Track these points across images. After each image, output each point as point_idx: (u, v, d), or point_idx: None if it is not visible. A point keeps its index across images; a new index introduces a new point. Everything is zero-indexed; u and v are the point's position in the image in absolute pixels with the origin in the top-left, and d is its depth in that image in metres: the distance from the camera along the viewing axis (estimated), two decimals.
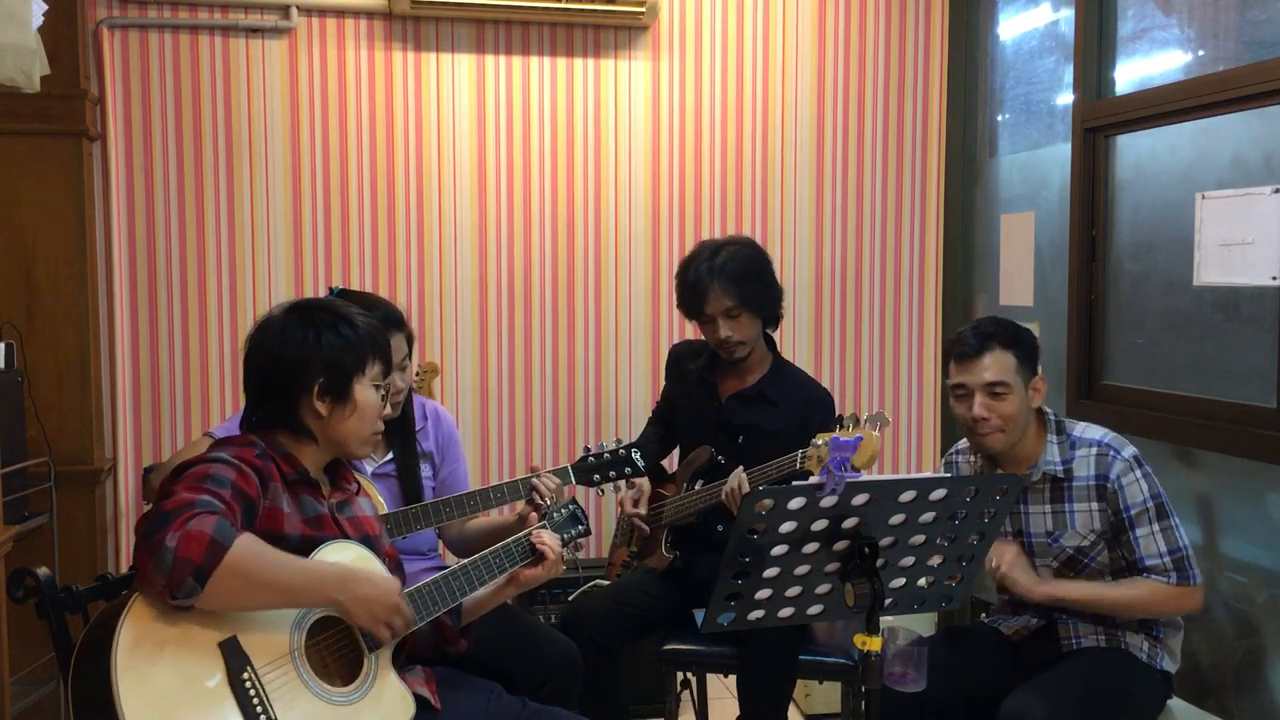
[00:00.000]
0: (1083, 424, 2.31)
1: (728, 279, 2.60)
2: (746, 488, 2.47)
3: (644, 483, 2.80)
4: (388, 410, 1.92)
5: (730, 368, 2.75)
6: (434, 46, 3.55)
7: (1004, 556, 2.20)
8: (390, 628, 1.73)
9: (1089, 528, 2.23)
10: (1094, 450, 2.24)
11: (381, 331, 1.90)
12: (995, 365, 2.22)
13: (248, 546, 1.56)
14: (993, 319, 2.33)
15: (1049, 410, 2.32)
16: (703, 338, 2.80)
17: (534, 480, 2.41)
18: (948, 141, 3.87)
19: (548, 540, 2.01)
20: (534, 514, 2.18)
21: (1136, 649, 2.23)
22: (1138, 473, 2.20)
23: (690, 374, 2.82)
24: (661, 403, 3.02)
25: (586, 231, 3.68)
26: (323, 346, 1.78)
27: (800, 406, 2.67)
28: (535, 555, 2.01)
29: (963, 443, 2.48)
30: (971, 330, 2.29)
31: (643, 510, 2.76)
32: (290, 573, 1.63)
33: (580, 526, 2.17)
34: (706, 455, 2.68)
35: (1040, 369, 2.31)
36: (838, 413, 2.70)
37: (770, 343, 2.78)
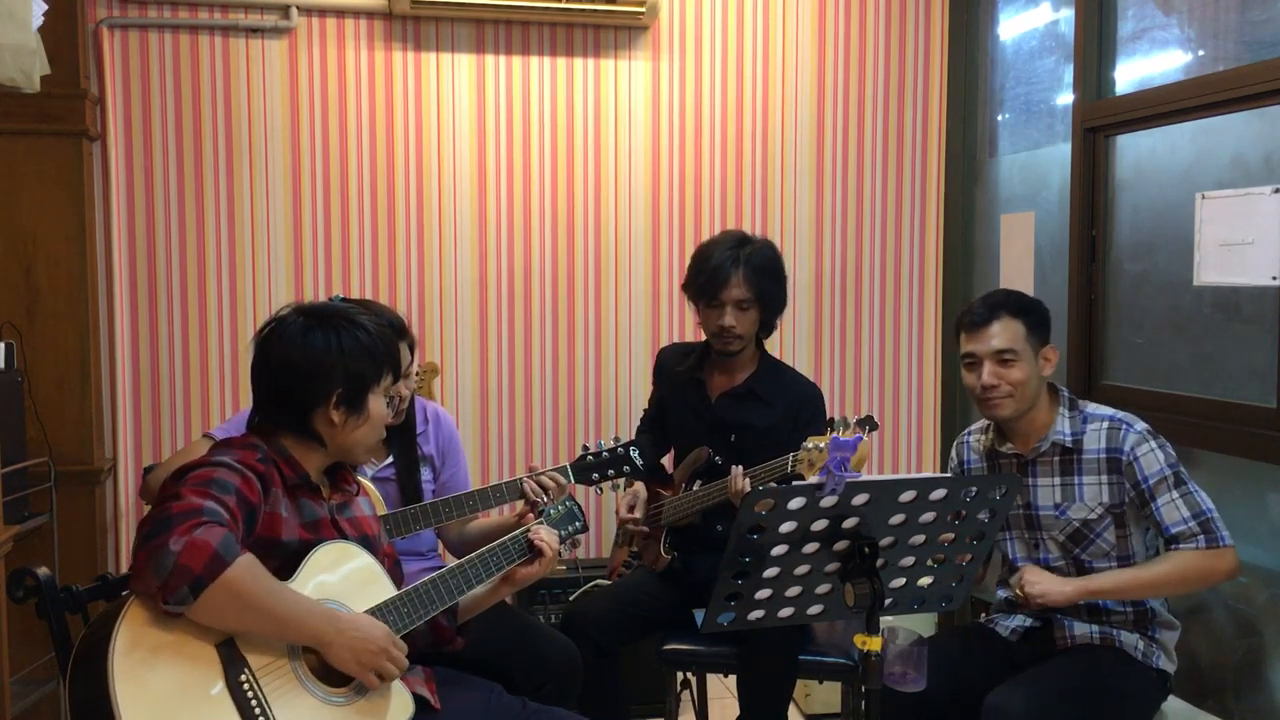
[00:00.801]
0: (1093, 404, 2.32)
1: (752, 270, 2.63)
2: (748, 486, 2.47)
3: (639, 488, 2.80)
4: (390, 417, 1.92)
5: (719, 367, 2.76)
6: (434, 46, 3.55)
7: (1030, 580, 2.18)
8: (379, 674, 1.69)
9: (1097, 500, 2.23)
10: (1105, 424, 2.25)
11: (394, 340, 1.91)
12: (1003, 333, 2.24)
13: (247, 567, 1.55)
14: (1003, 290, 2.37)
15: (1063, 388, 2.33)
16: (688, 339, 2.81)
17: (530, 480, 2.41)
18: (948, 141, 3.87)
19: (544, 537, 2.01)
20: (532, 512, 2.18)
21: (1131, 647, 2.23)
22: (1153, 443, 2.20)
23: (680, 375, 2.82)
24: (650, 408, 3.02)
25: (586, 231, 3.68)
26: (345, 354, 1.77)
27: (791, 403, 2.69)
28: (532, 552, 2.01)
29: (975, 424, 2.49)
30: (980, 300, 2.32)
31: (638, 515, 2.76)
32: (283, 605, 1.61)
33: (577, 523, 2.17)
34: (705, 455, 2.68)
35: (1050, 339, 2.31)
36: (829, 413, 2.70)
37: (757, 341, 2.79)
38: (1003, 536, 2.37)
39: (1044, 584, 2.18)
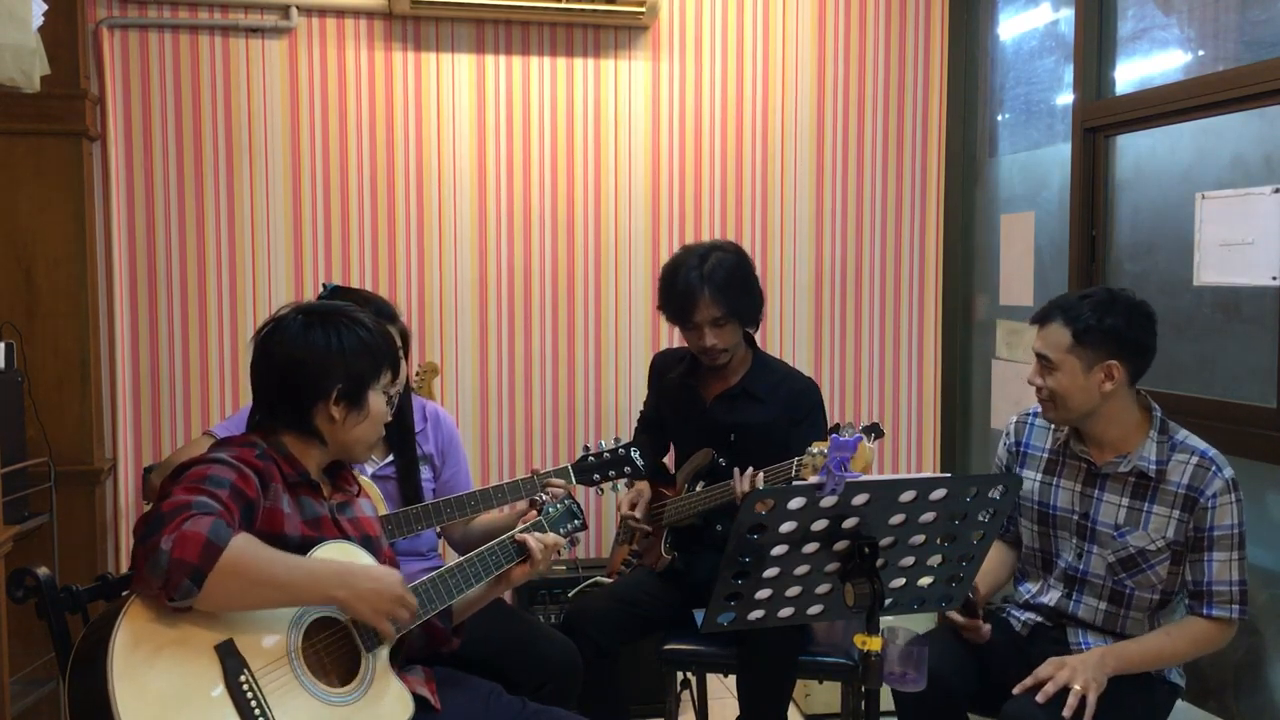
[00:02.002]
0: (1185, 430, 2.25)
1: (716, 288, 2.58)
2: (760, 484, 2.46)
3: (643, 486, 2.80)
4: (388, 417, 1.93)
5: (712, 370, 2.75)
6: (434, 46, 3.55)
7: (1077, 679, 2.06)
8: (394, 620, 1.73)
9: (1161, 534, 2.17)
10: (1194, 459, 2.17)
11: (393, 339, 1.91)
12: (1048, 338, 2.21)
13: (243, 546, 1.56)
14: (1086, 291, 2.25)
15: (1156, 407, 2.25)
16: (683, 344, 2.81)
17: (544, 482, 2.41)
18: (948, 141, 3.87)
19: (531, 542, 2.01)
20: (533, 511, 2.18)
21: None
22: (1233, 496, 2.14)
23: (673, 381, 2.82)
24: (647, 409, 3.02)
25: (586, 231, 3.68)
26: (346, 352, 1.79)
27: (787, 398, 2.68)
28: (525, 554, 2.02)
29: None
30: (1062, 296, 2.28)
31: (639, 514, 2.76)
32: (287, 571, 1.62)
33: (576, 521, 2.17)
34: (708, 457, 2.68)
35: (1123, 354, 2.17)
36: (830, 414, 2.69)
37: (749, 338, 2.78)
38: (1049, 533, 2.33)
39: (1101, 679, 2.06)
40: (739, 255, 2.69)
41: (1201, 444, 2.21)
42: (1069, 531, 2.30)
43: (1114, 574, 2.23)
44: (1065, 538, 2.31)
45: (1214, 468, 2.16)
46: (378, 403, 1.84)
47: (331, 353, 1.78)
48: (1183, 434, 2.23)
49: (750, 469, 2.49)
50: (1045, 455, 2.37)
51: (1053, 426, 2.37)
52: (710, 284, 2.58)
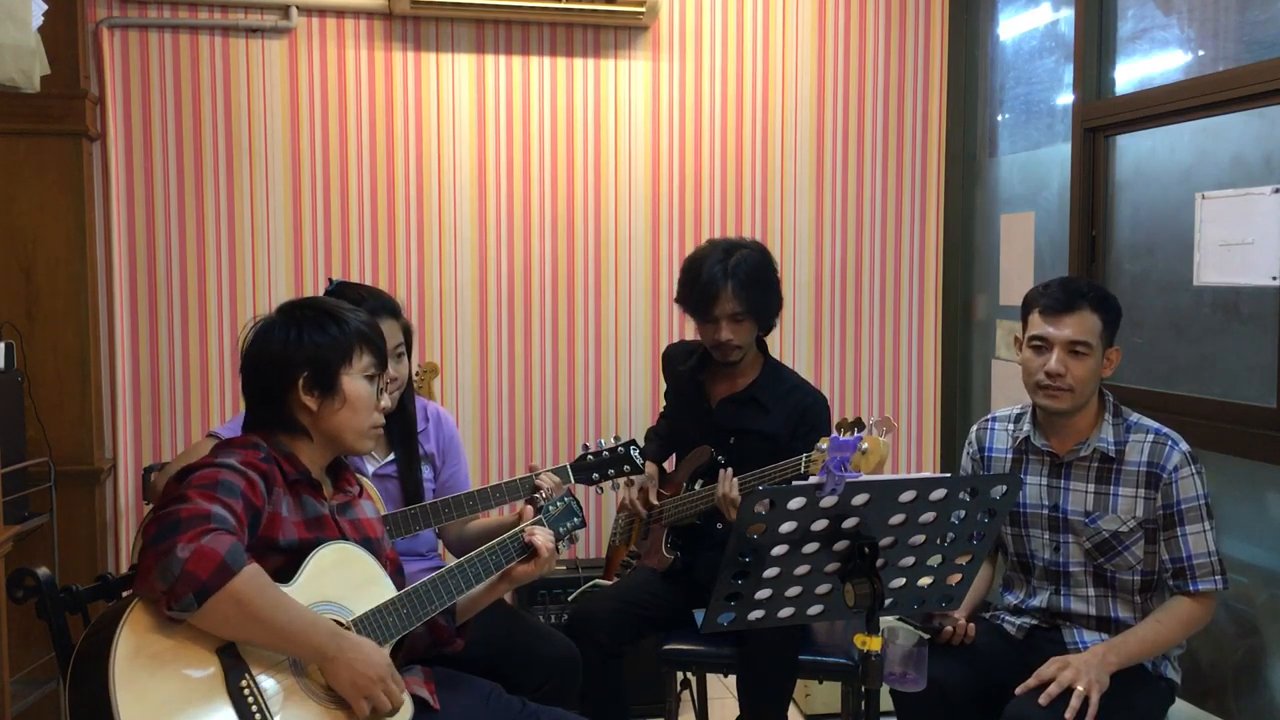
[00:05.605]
0: (1137, 414, 2.28)
1: (739, 283, 2.58)
2: (736, 493, 2.46)
3: (651, 470, 2.79)
4: (386, 403, 1.92)
5: (721, 370, 2.74)
6: (434, 46, 3.55)
7: (1080, 680, 2.05)
8: (371, 702, 1.66)
9: (1131, 514, 2.19)
10: (1150, 437, 2.20)
11: (373, 326, 1.88)
12: (1081, 324, 2.18)
13: (252, 578, 1.54)
14: (1080, 278, 2.29)
15: (1108, 393, 2.29)
16: (695, 338, 2.80)
17: (535, 479, 2.41)
18: (948, 141, 3.88)
19: (539, 536, 2.01)
20: (530, 510, 2.18)
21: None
22: (1192, 468, 2.17)
23: (681, 375, 2.82)
24: (667, 402, 3.03)
25: (586, 231, 3.68)
26: (304, 343, 1.79)
27: (792, 410, 2.66)
28: (529, 551, 2.01)
29: (1003, 411, 2.44)
30: (1060, 285, 2.25)
31: (653, 498, 2.75)
32: (286, 618, 1.59)
33: (575, 519, 2.17)
34: (706, 455, 2.68)
35: (1114, 342, 2.25)
36: (839, 417, 2.68)
37: (761, 345, 2.78)
38: (1021, 533, 2.35)
39: (1105, 680, 2.06)
40: (764, 255, 2.69)
41: (1154, 423, 2.25)
42: (1040, 527, 2.32)
43: (1092, 559, 2.25)
44: (1037, 534, 2.32)
45: (1170, 442, 2.19)
46: (356, 387, 1.82)
47: (289, 343, 1.78)
48: (1135, 416, 2.27)
49: (729, 471, 2.49)
50: (1009, 456, 2.38)
51: (1011, 427, 2.39)
52: (734, 279, 2.58)
